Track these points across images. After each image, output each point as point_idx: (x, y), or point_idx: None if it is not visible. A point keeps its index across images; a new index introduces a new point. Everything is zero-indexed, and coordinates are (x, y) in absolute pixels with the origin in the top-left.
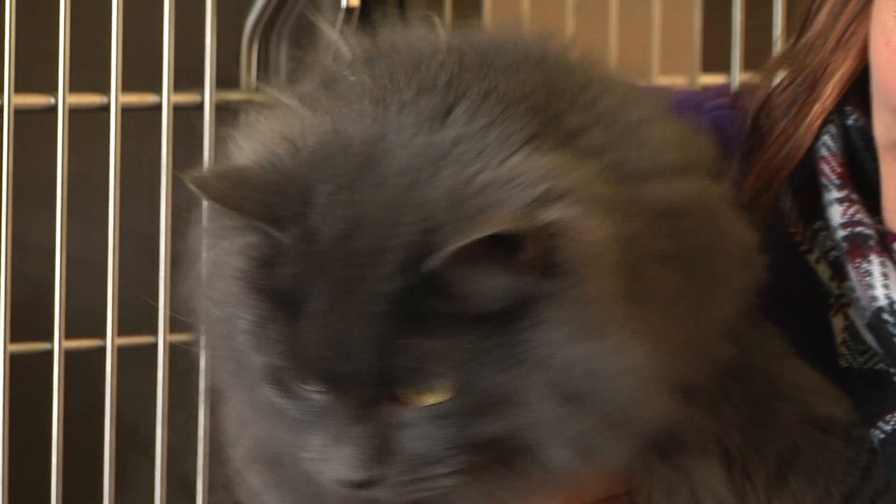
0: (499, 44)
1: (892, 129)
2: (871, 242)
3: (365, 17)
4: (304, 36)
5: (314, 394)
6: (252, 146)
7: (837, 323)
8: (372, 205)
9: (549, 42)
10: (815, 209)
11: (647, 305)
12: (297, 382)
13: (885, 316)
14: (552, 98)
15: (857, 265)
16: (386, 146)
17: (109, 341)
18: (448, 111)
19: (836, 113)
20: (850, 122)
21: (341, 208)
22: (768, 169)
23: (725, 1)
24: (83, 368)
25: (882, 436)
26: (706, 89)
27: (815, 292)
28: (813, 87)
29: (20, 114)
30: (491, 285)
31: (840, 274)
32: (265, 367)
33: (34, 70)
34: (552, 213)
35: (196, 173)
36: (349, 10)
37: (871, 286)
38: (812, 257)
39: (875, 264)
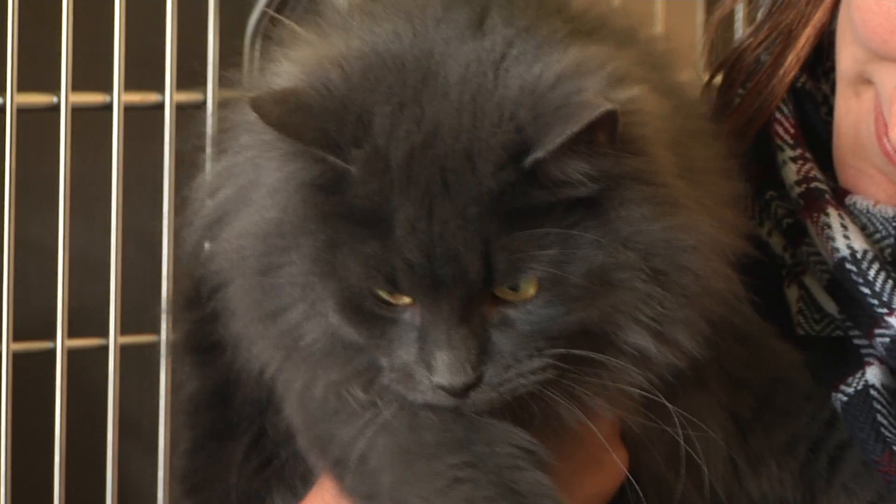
0: None
1: (860, 63)
2: (827, 196)
3: None
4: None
5: (402, 309)
6: (296, 70)
7: (792, 293)
8: (445, 114)
9: None
10: (765, 180)
11: (697, 184)
12: (384, 299)
13: (848, 265)
14: (554, 12)
15: (815, 219)
16: (438, 59)
17: (112, 340)
18: (482, 20)
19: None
20: (798, 85)
21: (411, 123)
22: (743, 120)
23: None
24: (86, 367)
25: (844, 398)
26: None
27: (765, 270)
28: (787, 38)
29: (23, 113)
30: (582, 170)
31: (794, 241)
32: (337, 292)
33: (37, 69)
34: (625, 93)
35: (255, 95)
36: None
37: (831, 238)
38: (763, 230)
39: (833, 217)
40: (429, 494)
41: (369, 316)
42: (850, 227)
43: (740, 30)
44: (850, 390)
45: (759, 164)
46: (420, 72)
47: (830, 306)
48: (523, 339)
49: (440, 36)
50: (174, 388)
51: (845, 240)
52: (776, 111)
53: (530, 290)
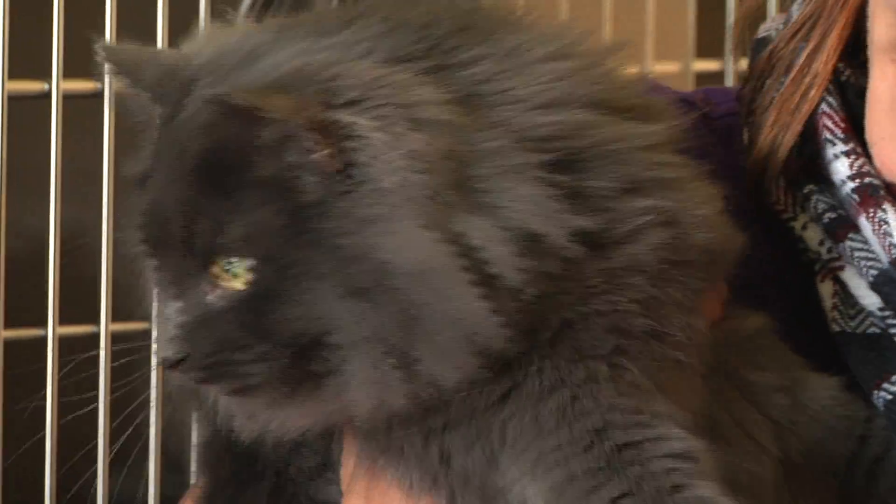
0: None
1: (893, 27)
2: (883, 192)
3: None
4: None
5: (153, 268)
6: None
7: (826, 288)
8: (217, 89)
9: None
10: (804, 174)
11: (468, 211)
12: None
13: None
14: (456, 34)
15: (871, 215)
16: (266, 49)
17: (103, 327)
18: (338, 29)
19: (831, 77)
20: (843, 78)
21: (200, 94)
22: (787, 111)
23: None
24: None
25: (889, 397)
26: (709, 91)
27: (789, 263)
28: (827, 21)
29: (14, 100)
30: (293, 172)
31: (835, 236)
32: (129, 239)
33: (27, 57)
34: (343, 117)
35: (106, 44)
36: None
37: (889, 234)
38: (797, 224)
39: (890, 213)
40: None
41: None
42: None
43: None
44: (894, 389)
45: (799, 158)
46: (245, 57)
47: (870, 301)
48: (231, 329)
49: (294, 34)
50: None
51: None
52: (823, 104)
53: (239, 280)
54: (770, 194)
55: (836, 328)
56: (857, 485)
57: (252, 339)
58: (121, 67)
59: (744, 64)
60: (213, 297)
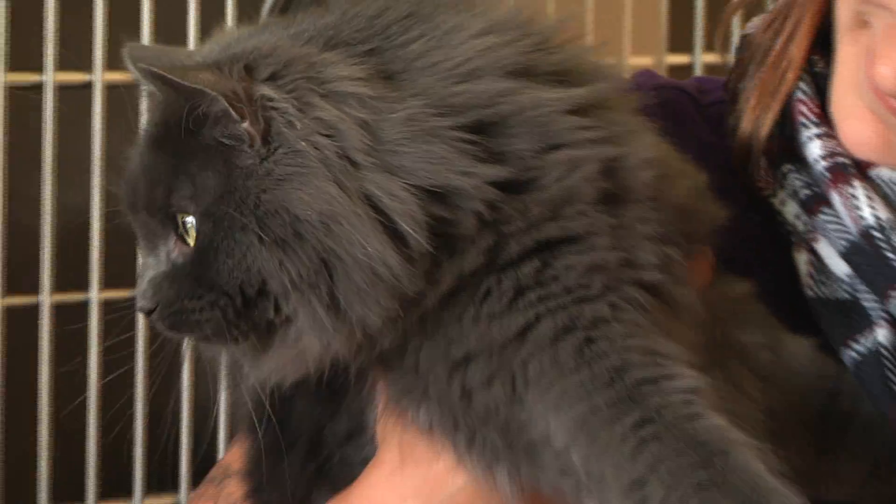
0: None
1: (857, 4)
2: (852, 170)
3: None
4: None
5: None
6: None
7: (801, 258)
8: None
9: None
10: (782, 155)
11: (374, 170)
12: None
13: (875, 233)
14: (401, 20)
15: (841, 190)
16: (238, 41)
17: (94, 294)
18: (301, 21)
19: (805, 62)
20: (817, 69)
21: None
22: (765, 95)
23: None
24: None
25: (855, 355)
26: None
27: (771, 235)
28: (801, 8)
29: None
30: (227, 139)
31: (810, 210)
32: None
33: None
34: (260, 89)
35: (132, 44)
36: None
37: (858, 207)
38: (777, 200)
39: (859, 188)
40: (623, 461)
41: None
42: (875, 198)
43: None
44: (861, 349)
45: (779, 140)
46: (219, 50)
47: (840, 270)
48: (186, 281)
49: (271, 31)
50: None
51: (871, 210)
52: (798, 91)
53: (193, 236)
54: (753, 173)
55: (811, 293)
56: (829, 436)
57: (202, 289)
58: (138, 63)
59: (709, 57)
60: (175, 254)
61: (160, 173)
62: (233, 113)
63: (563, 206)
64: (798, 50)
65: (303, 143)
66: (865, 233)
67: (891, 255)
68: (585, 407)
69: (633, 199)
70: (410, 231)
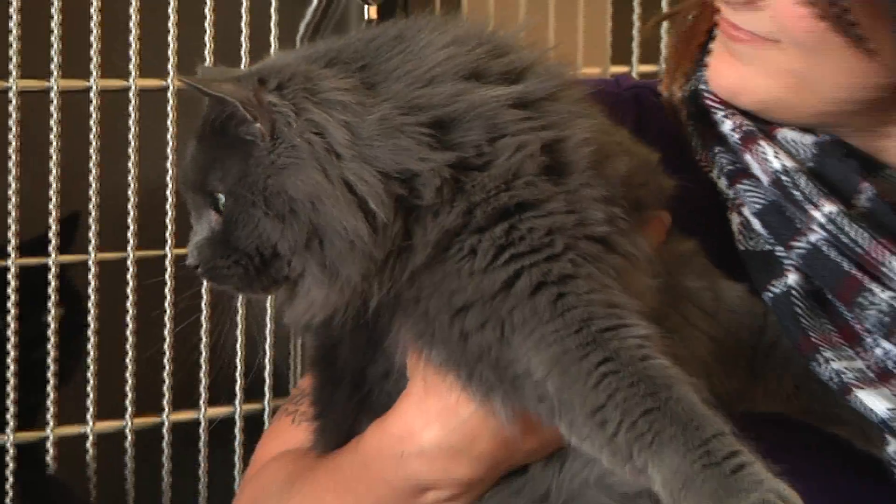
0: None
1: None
2: (759, 134)
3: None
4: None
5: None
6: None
7: (734, 219)
8: None
9: (408, 23)
10: (711, 139)
11: (351, 159)
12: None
13: (782, 176)
14: (390, 42)
15: (752, 150)
16: (267, 62)
17: (92, 256)
18: (315, 46)
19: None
20: None
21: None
22: (676, 61)
23: (629, 2)
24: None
25: (772, 296)
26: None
27: (714, 202)
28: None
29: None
30: (246, 135)
31: (733, 181)
32: None
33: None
34: (268, 96)
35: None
36: (370, 20)
37: (767, 161)
38: (713, 175)
39: (766, 146)
40: (587, 391)
41: None
42: (780, 152)
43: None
44: (776, 290)
45: (709, 128)
46: (254, 69)
47: (760, 228)
48: (219, 244)
49: (285, 55)
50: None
51: (778, 160)
52: (702, 90)
53: (222, 210)
54: (695, 154)
55: (741, 247)
56: (758, 363)
57: (229, 251)
58: (184, 78)
59: (644, 68)
60: (213, 223)
61: (202, 160)
62: (246, 115)
63: (513, 180)
64: (705, 25)
65: (298, 139)
66: (775, 178)
67: (795, 192)
68: (559, 348)
69: (575, 170)
70: (376, 208)
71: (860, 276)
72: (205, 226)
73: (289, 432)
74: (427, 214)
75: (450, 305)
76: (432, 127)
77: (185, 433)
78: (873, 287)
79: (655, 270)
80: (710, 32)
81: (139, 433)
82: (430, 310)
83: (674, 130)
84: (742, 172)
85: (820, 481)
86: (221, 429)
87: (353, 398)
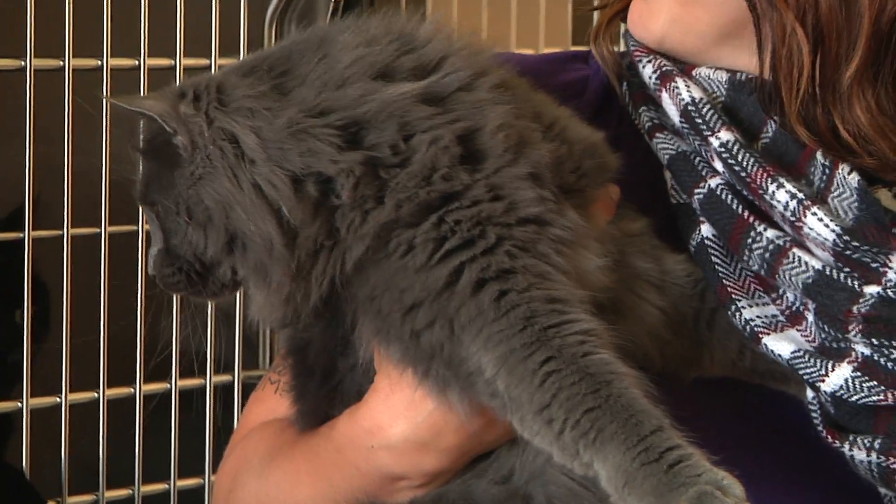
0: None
1: None
2: (675, 71)
3: (347, 5)
4: (307, 18)
5: None
6: None
7: (667, 175)
8: None
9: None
10: (639, 100)
11: (260, 164)
12: None
13: (689, 107)
14: (311, 48)
15: (668, 87)
16: (201, 77)
17: (65, 232)
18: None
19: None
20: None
21: None
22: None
23: None
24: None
25: (693, 248)
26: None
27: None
28: None
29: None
30: (170, 147)
31: (650, 136)
32: None
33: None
34: (184, 108)
35: None
36: (336, 2)
37: (679, 94)
38: (644, 134)
39: (680, 82)
40: (533, 390)
41: None
42: (693, 86)
43: None
44: (695, 242)
45: (640, 92)
46: None
47: (669, 178)
48: (165, 254)
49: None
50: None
51: (688, 92)
52: (630, 42)
53: (161, 221)
54: (634, 120)
55: (674, 202)
56: (702, 331)
57: (171, 259)
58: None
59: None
60: (160, 234)
61: (145, 174)
62: (166, 127)
63: (431, 175)
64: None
65: (210, 147)
66: (685, 110)
67: (699, 121)
68: (505, 348)
69: (491, 155)
70: (286, 211)
71: (748, 217)
72: (157, 236)
73: (273, 399)
74: (352, 212)
75: (401, 303)
76: (342, 129)
77: (160, 404)
78: (759, 227)
79: (605, 249)
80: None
81: (112, 404)
82: (383, 308)
83: (590, 99)
84: (659, 127)
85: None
86: (191, 399)
87: (323, 387)
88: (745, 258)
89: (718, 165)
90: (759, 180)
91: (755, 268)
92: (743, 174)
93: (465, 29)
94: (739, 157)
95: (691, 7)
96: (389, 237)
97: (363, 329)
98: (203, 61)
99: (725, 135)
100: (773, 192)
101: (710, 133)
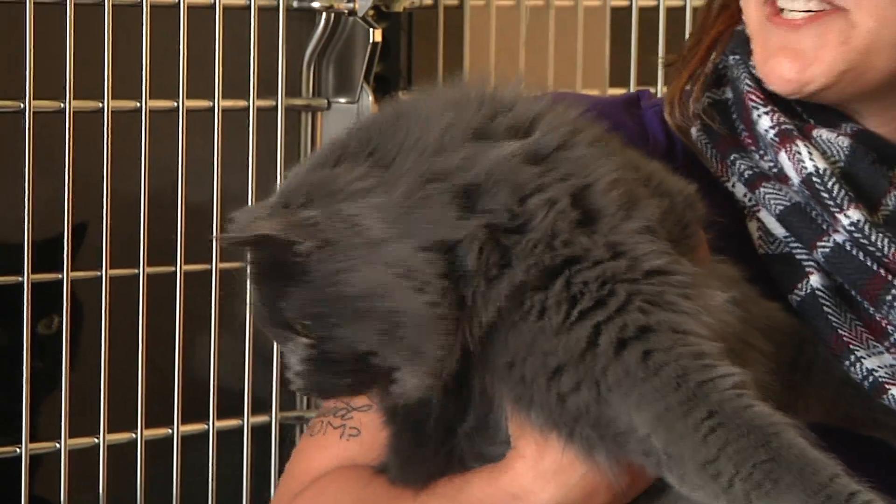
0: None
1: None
2: (796, 133)
3: (384, 49)
4: (344, 61)
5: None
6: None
7: (752, 226)
8: None
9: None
10: (728, 146)
11: (394, 241)
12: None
13: (814, 178)
14: (390, 122)
15: (788, 149)
16: (286, 185)
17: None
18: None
19: (744, 64)
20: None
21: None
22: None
23: (626, 29)
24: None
25: (798, 299)
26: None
27: (728, 212)
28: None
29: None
30: (298, 260)
31: (753, 185)
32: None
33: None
34: (301, 213)
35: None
36: (374, 44)
37: (801, 160)
38: (729, 184)
39: (802, 146)
40: (696, 446)
41: None
42: (815, 152)
43: None
44: (803, 293)
45: (728, 138)
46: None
47: (779, 231)
48: (321, 363)
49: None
50: None
51: (812, 161)
52: (746, 86)
53: (308, 334)
54: (707, 165)
55: (762, 251)
56: (797, 377)
57: (330, 365)
58: (224, 236)
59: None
60: (304, 348)
61: (267, 299)
62: (289, 239)
63: (552, 240)
64: (702, 47)
65: (338, 240)
66: (807, 179)
67: (825, 195)
68: (661, 406)
69: (607, 213)
70: (424, 285)
71: (885, 274)
72: (297, 351)
73: (338, 446)
74: (476, 278)
75: (545, 367)
76: (457, 194)
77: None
78: None
79: (724, 285)
80: (709, 50)
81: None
82: (527, 374)
83: (664, 138)
84: (762, 176)
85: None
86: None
87: (440, 451)
88: (885, 312)
89: (843, 231)
90: None
91: None
92: (879, 254)
93: (503, 73)
94: (873, 238)
95: (871, 55)
96: (522, 299)
97: (499, 396)
98: (241, 102)
99: (854, 213)
100: None
101: (837, 210)
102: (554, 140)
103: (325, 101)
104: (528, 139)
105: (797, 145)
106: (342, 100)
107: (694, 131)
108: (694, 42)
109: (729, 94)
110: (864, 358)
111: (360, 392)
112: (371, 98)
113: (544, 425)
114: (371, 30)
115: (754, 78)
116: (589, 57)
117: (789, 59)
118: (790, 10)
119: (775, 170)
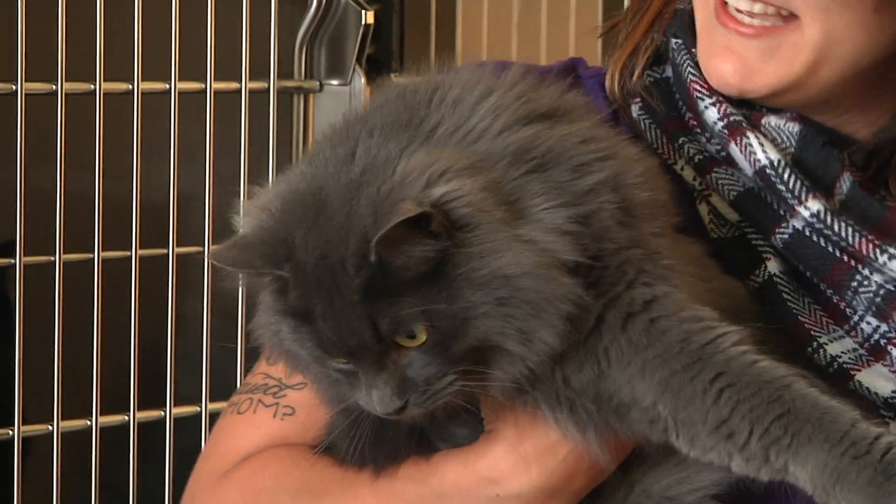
0: (378, 101)
1: None
2: (745, 124)
3: (377, 31)
4: (336, 43)
5: (343, 365)
6: (246, 220)
7: (703, 209)
8: (330, 232)
9: (406, 85)
10: (677, 131)
11: (523, 220)
12: (331, 362)
13: (769, 171)
14: (412, 113)
15: (738, 141)
16: (326, 192)
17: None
18: (353, 153)
19: (686, 51)
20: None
21: (314, 241)
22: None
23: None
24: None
25: (756, 285)
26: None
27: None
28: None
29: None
30: (418, 252)
31: (703, 172)
32: (309, 356)
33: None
34: (438, 190)
35: (214, 252)
36: (367, 25)
37: (753, 153)
38: (677, 167)
39: (752, 138)
40: (707, 408)
41: (333, 367)
42: (766, 143)
43: None
44: (760, 279)
45: (673, 119)
46: (316, 204)
47: (732, 216)
48: (431, 368)
49: (327, 172)
50: None
51: (764, 153)
52: (689, 75)
53: (422, 336)
54: (654, 146)
55: (714, 235)
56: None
57: (446, 367)
58: (237, 265)
59: None
60: (407, 359)
61: (366, 316)
62: (425, 226)
63: (601, 240)
64: (644, 21)
65: (478, 219)
66: (761, 171)
67: (782, 188)
68: (666, 372)
69: (640, 214)
70: (573, 257)
71: (849, 261)
72: (390, 371)
73: (271, 425)
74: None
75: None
76: (534, 171)
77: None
78: (865, 271)
79: (704, 274)
80: (652, 24)
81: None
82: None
83: (603, 108)
84: (713, 161)
85: None
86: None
87: (412, 435)
88: (849, 298)
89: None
90: (864, 250)
91: (861, 308)
92: (843, 243)
93: (496, 55)
94: (835, 228)
95: (819, 67)
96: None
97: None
98: (233, 85)
99: (814, 204)
100: (885, 262)
101: (796, 202)
102: (592, 125)
103: (318, 83)
104: (583, 123)
105: (748, 137)
106: (334, 82)
107: (635, 109)
108: (632, 15)
109: (670, 72)
110: (827, 344)
111: (468, 394)
112: (363, 80)
113: (544, 402)
114: (363, 12)
115: (698, 66)
116: (581, 40)
117: (733, 64)
118: (738, 11)
119: (723, 153)
